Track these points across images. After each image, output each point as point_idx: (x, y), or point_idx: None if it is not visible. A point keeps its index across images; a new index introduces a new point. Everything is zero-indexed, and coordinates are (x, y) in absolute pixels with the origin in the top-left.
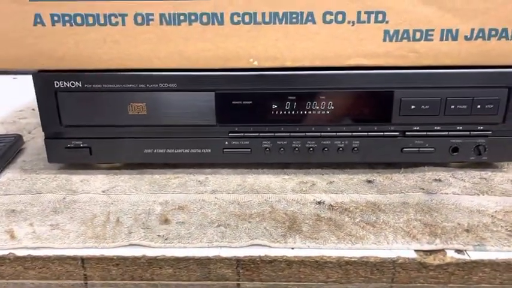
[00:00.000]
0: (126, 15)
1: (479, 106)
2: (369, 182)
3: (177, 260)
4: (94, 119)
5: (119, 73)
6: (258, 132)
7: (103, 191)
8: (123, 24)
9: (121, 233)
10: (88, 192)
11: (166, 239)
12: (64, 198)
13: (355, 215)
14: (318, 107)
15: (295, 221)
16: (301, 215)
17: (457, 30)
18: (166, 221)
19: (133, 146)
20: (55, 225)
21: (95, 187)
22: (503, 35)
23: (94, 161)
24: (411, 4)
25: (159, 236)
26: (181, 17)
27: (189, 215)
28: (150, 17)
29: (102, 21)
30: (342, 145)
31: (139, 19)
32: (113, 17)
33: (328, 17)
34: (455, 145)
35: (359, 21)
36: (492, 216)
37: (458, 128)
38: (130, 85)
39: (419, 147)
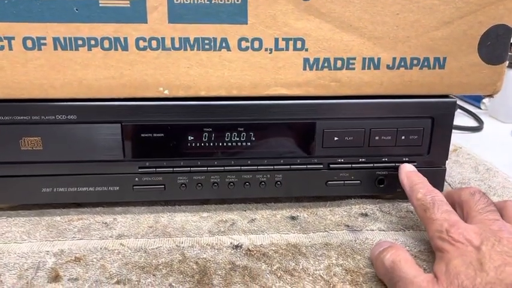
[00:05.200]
0: (13, 38)
1: (403, 137)
2: (293, 218)
3: None
4: None
5: (8, 103)
6: (172, 167)
7: None
8: (10, 48)
9: None
10: None
11: None
12: None
13: (273, 261)
14: (237, 139)
15: (206, 273)
16: (214, 263)
17: (379, 59)
18: (56, 278)
19: (28, 185)
20: None
21: None
22: (425, 64)
23: None
24: (331, 31)
25: None
26: (79, 42)
27: (86, 268)
28: (42, 41)
29: None
30: (264, 179)
31: (29, 43)
32: None
33: (244, 44)
34: (381, 177)
35: (277, 48)
36: (415, 256)
37: (383, 159)
38: (22, 117)
39: (344, 180)
